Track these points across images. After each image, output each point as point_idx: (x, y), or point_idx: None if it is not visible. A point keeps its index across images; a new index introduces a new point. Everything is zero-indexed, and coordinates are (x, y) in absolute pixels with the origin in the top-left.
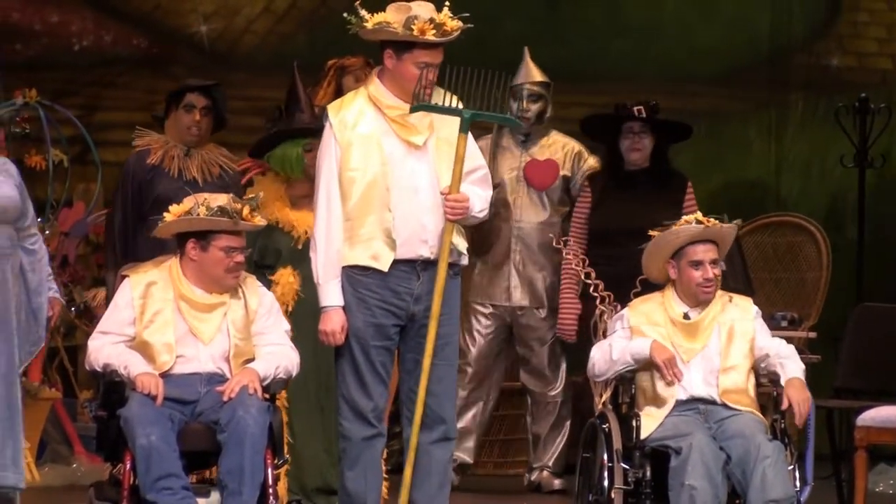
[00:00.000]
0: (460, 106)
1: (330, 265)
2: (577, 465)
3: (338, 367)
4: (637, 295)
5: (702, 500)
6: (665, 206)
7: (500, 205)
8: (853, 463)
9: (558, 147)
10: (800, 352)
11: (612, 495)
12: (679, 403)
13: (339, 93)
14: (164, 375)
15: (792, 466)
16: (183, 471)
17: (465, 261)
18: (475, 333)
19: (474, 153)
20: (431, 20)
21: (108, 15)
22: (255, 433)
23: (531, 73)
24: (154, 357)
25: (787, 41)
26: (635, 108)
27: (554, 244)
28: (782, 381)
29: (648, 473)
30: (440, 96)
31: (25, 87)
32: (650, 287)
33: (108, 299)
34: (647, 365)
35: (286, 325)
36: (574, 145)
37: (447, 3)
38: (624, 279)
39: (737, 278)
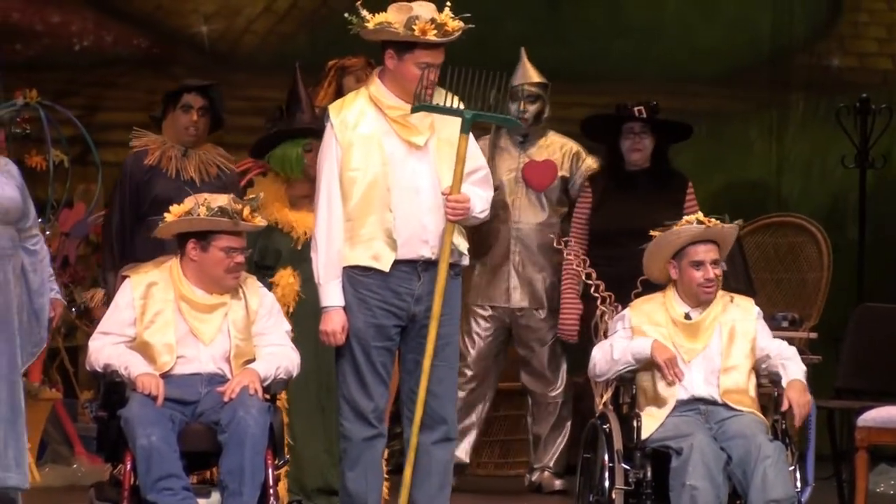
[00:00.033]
0: (461, 106)
1: (331, 265)
2: (578, 465)
3: (338, 368)
4: (638, 295)
5: (703, 501)
6: (666, 207)
7: (498, 206)
8: (854, 463)
9: (556, 147)
10: (801, 352)
11: (613, 496)
12: (680, 403)
13: (339, 93)
14: (165, 376)
15: (793, 467)
16: (183, 471)
17: (465, 261)
18: (474, 336)
19: (475, 154)
20: (433, 20)
21: (109, 15)
22: (255, 434)
23: (528, 74)
24: (154, 357)
25: (789, 41)
26: (636, 109)
27: (555, 245)
28: (783, 383)
29: (649, 474)
30: (441, 97)
31: (26, 88)
32: (651, 287)
33: (106, 299)
34: (648, 365)
35: (287, 326)
36: (572, 145)
37: (448, 4)
38: (625, 279)
39: (738, 279)
